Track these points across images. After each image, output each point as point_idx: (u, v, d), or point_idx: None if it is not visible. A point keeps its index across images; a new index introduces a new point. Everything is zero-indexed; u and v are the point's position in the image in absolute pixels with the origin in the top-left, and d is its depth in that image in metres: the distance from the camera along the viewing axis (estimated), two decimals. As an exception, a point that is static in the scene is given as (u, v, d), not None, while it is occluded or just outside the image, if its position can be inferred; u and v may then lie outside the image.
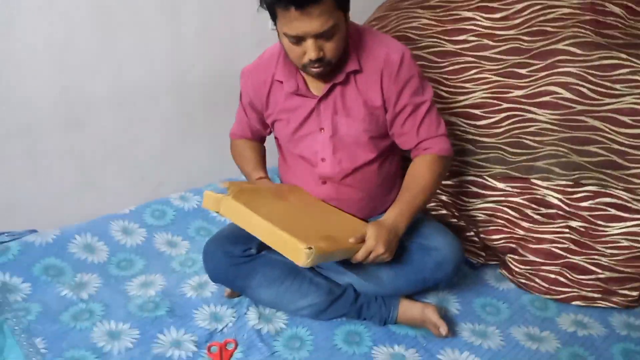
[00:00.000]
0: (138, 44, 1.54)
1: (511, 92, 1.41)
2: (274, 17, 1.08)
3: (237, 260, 1.24)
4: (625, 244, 1.30)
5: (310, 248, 0.99)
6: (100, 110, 1.55)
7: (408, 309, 1.24)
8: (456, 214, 1.51)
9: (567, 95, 1.33)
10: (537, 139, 1.37)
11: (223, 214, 1.14)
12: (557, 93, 1.34)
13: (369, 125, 1.22)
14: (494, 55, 1.45)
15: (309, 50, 1.07)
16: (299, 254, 1.00)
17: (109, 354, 1.15)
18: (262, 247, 1.24)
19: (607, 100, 1.31)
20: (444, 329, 1.19)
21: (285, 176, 1.39)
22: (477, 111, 1.44)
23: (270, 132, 1.40)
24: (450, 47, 1.50)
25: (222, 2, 1.66)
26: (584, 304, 1.34)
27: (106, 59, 1.51)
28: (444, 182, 1.48)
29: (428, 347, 1.20)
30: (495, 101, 1.43)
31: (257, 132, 1.40)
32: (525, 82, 1.39)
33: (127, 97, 1.58)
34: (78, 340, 1.18)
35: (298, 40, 1.06)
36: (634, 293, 1.32)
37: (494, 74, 1.44)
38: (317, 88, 1.21)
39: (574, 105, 1.32)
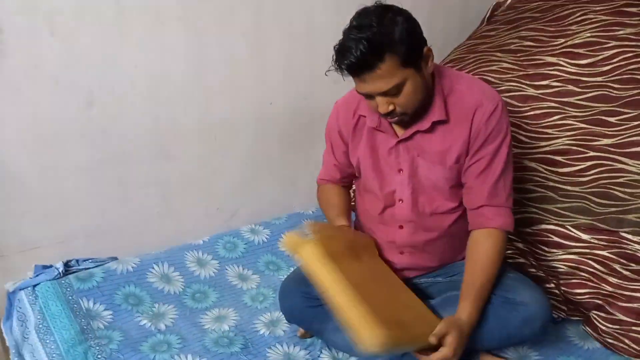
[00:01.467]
0: (225, 79, 1.61)
1: (599, 140, 1.36)
2: None
3: (315, 302, 1.23)
4: None
5: (383, 335, 0.91)
6: (187, 142, 1.62)
7: (489, 364, 1.19)
8: (534, 263, 1.46)
9: (662, 146, 1.27)
10: (628, 190, 1.30)
11: (301, 258, 1.09)
12: (651, 143, 1.28)
13: (450, 174, 1.19)
14: (579, 102, 1.41)
15: (379, 105, 1.08)
16: (369, 336, 0.91)
17: (186, 388, 1.17)
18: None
19: None
20: (527, 390, 1.14)
21: (361, 216, 1.39)
22: (560, 158, 1.40)
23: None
24: (532, 91, 1.47)
25: (305, 41, 1.71)
26: (680, 372, 1.25)
27: (196, 92, 1.57)
28: (522, 230, 1.44)
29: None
30: (580, 149, 1.38)
31: (345, 172, 1.36)
32: (614, 131, 1.34)
33: (212, 129, 1.64)
34: (158, 372, 1.21)
35: (367, 96, 1.09)
36: None
37: (580, 121, 1.39)
38: (400, 130, 1.20)
39: (669, 157, 1.26)
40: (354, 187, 1.45)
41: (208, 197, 1.73)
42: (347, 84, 1.11)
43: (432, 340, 1.03)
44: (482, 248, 1.16)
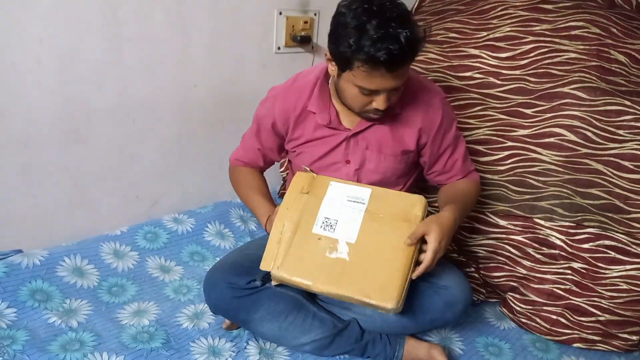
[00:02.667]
0: (145, 58, 1.50)
1: (516, 131, 1.42)
2: (345, 67, 1.04)
3: (241, 292, 1.20)
4: (625, 287, 1.32)
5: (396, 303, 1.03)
6: (102, 125, 1.49)
7: (414, 348, 1.22)
8: (456, 248, 1.51)
9: (572, 137, 1.35)
10: (541, 179, 1.38)
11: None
12: (562, 135, 1.36)
13: (399, 164, 1.25)
14: (499, 94, 1.47)
15: (379, 102, 1.07)
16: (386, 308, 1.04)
17: (101, 389, 1.09)
18: (267, 279, 1.21)
19: (611, 145, 1.34)
20: (451, 371, 1.18)
21: None
22: (481, 147, 1.45)
23: (281, 159, 1.38)
24: (456, 82, 1.51)
25: (232, 22, 1.63)
26: (584, 347, 1.35)
27: (112, 71, 1.45)
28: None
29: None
30: (499, 139, 1.44)
31: (269, 160, 1.37)
32: (530, 122, 1.41)
33: (129, 113, 1.53)
34: (68, 374, 1.12)
35: (371, 92, 1.07)
36: (634, 337, 1.33)
37: (499, 112, 1.45)
38: (350, 122, 1.21)
39: (578, 148, 1.35)
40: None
41: (126, 184, 1.61)
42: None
43: (407, 242, 1.07)
44: (459, 185, 1.27)
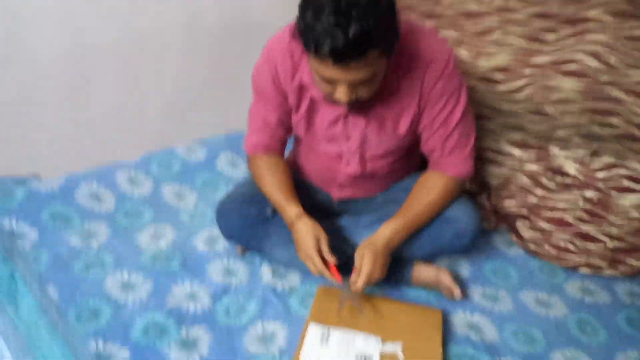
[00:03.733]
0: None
1: (536, 57, 1.38)
2: (304, 46, 0.93)
3: (253, 221, 1.21)
4: (636, 215, 1.32)
5: None
6: (107, 60, 1.47)
7: (422, 271, 1.25)
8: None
9: (594, 64, 1.30)
10: (559, 107, 1.35)
11: None
12: (584, 61, 1.31)
13: (402, 142, 1.19)
14: (520, 18, 1.40)
15: (340, 93, 0.96)
16: None
17: (123, 305, 1.15)
18: (276, 210, 1.22)
19: (632, 72, 1.29)
20: (457, 293, 1.21)
21: (305, 161, 1.33)
22: (500, 75, 1.41)
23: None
24: (474, 7, 1.45)
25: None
26: (591, 272, 1.37)
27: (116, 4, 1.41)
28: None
29: (440, 307, 1.22)
30: (518, 66, 1.39)
31: (285, 129, 1.22)
32: (551, 48, 1.36)
33: (135, 45, 1.50)
34: (92, 290, 1.17)
35: (330, 81, 0.97)
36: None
37: (520, 37, 1.40)
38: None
39: (599, 75, 1.30)
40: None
41: (137, 118, 1.61)
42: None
43: (356, 289, 1.10)
44: (431, 180, 1.18)
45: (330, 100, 1.03)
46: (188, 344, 1.08)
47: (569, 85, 1.33)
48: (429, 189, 1.17)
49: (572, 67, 1.32)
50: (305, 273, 1.28)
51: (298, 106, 1.15)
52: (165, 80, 1.62)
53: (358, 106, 1.07)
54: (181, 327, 1.11)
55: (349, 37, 0.84)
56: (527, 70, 1.38)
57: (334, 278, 1.11)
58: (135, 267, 1.25)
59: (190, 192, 1.56)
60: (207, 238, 1.38)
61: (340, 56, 0.87)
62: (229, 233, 1.28)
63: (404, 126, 1.14)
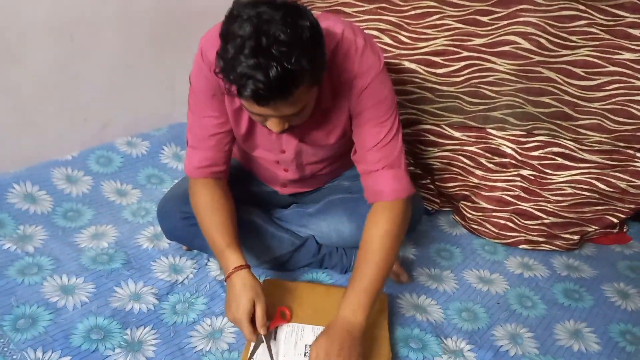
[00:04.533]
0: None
1: (472, 40, 1.40)
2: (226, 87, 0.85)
3: (195, 220, 1.14)
4: (570, 191, 1.38)
5: None
6: (36, 42, 1.38)
7: (369, 256, 1.26)
8: (412, 161, 1.53)
9: (526, 45, 1.34)
10: (494, 89, 1.38)
11: None
12: (517, 43, 1.34)
13: (336, 149, 1.14)
14: (456, 1, 1.42)
15: (271, 125, 0.91)
16: None
17: (63, 309, 1.11)
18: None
19: (563, 51, 1.34)
20: (404, 277, 1.24)
21: (246, 162, 1.28)
22: (437, 59, 1.43)
23: None
24: (412, -10, 1.46)
25: None
26: (529, 248, 1.43)
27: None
28: (402, 131, 1.48)
29: (387, 292, 1.24)
30: (455, 49, 1.42)
31: (227, 142, 1.09)
32: (486, 31, 1.39)
33: (66, 27, 1.41)
34: (28, 296, 1.12)
35: (259, 115, 0.90)
36: (575, 237, 1.43)
37: (456, 21, 1.42)
38: None
39: (531, 55, 1.34)
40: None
41: (72, 107, 1.54)
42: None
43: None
44: (372, 233, 1.02)
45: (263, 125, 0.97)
46: (134, 346, 1.05)
47: (503, 67, 1.36)
48: (373, 244, 1.01)
49: (505, 48, 1.36)
50: (254, 266, 1.27)
51: (236, 122, 1.08)
52: (99, 67, 1.54)
53: (291, 129, 1.00)
54: (126, 329, 1.08)
55: (271, 79, 0.77)
56: (464, 53, 1.40)
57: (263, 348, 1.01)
58: (75, 270, 1.21)
59: (132, 188, 1.51)
60: (152, 235, 1.35)
61: (264, 99, 0.81)
62: (171, 234, 1.25)
63: (334, 137, 1.09)
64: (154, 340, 1.07)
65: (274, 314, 1.07)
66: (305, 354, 1.02)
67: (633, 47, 1.26)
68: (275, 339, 1.05)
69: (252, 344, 1.02)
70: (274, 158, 1.15)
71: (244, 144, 1.15)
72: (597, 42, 1.30)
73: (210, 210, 1.08)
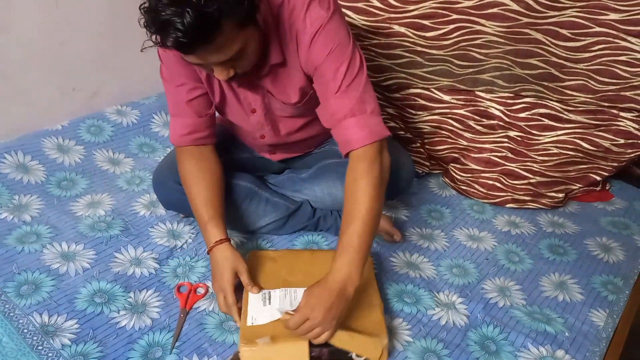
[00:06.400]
0: None
1: (460, 3, 1.41)
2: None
3: None
4: (555, 151, 1.43)
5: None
6: (20, 8, 1.35)
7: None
8: (402, 126, 1.56)
9: (515, 6, 1.35)
10: (483, 51, 1.40)
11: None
12: (505, 4, 1.36)
13: (303, 107, 1.12)
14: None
15: (217, 73, 0.91)
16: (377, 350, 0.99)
17: (65, 275, 1.12)
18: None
19: (551, 12, 1.35)
20: (397, 236, 1.28)
21: (233, 130, 1.29)
22: (427, 22, 1.44)
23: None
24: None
25: None
26: (516, 206, 1.48)
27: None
28: (392, 95, 1.51)
29: (381, 251, 1.29)
30: (444, 12, 1.42)
31: (208, 110, 1.11)
32: (475, -8, 1.39)
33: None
34: (29, 263, 1.14)
35: (199, 65, 0.90)
36: (560, 195, 1.48)
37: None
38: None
39: (520, 17, 1.35)
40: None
41: (60, 75, 1.51)
42: None
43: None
44: (354, 187, 0.99)
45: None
46: (138, 308, 1.08)
47: (491, 29, 1.38)
48: (357, 197, 0.97)
49: (494, 10, 1.37)
50: (250, 231, 1.30)
51: (212, 90, 1.10)
52: (86, 34, 1.51)
53: (246, 79, 1.01)
54: (129, 293, 1.11)
55: (187, 26, 0.77)
56: (454, 16, 1.41)
57: (240, 321, 1.02)
58: (74, 237, 1.22)
59: (125, 157, 1.51)
60: (148, 202, 1.37)
61: (187, 46, 0.80)
62: (167, 203, 1.27)
63: (295, 96, 1.08)
64: (158, 302, 1.10)
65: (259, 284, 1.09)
66: None
67: (618, 7, 1.28)
68: (270, 303, 1.05)
69: (250, 307, 1.04)
70: (249, 122, 1.16)
71: (221, 112, 1.16)
72: (584, 3, 1.32)
73: (195, 182, 1.10)
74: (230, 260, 1.05)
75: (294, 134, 1.22)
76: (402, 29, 1.44)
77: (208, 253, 1.08)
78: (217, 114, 1.19)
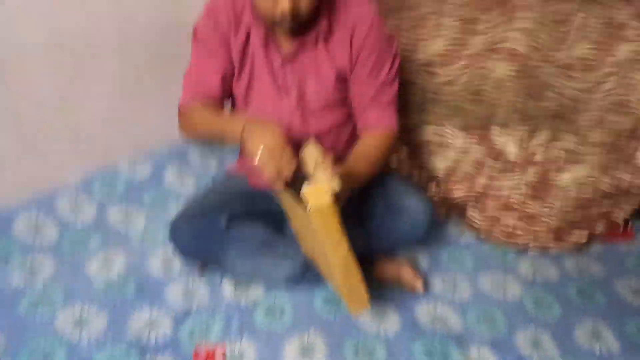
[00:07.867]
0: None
1: (471, 42, 1.40)
2: None
3: (208, 234, 1.17)
4: (574, 191, 1.39)
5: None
6: (35, 66, 1.37)
7: (384, 268, 1.26)
8: (416, 170, 1.54)
9: (525, 44, 1.34)
10: (495, 89, 1.39)
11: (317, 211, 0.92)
12: (515, 42, 1.35)
13: (339, 89, 1.16)
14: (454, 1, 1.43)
15: (283, 2, 0.97)
16: (358, 305, 1.02)
17: (78, 343, 1.09)
18: (231, 221, 1.20)
19: (560, 47, 1.34)
20: (419, 286, 1.23)
21: None
22: (437, 62, 1.43)
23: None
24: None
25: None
26: (539, 251, 1.44)
27: (42, 5, 1.31)
28: (405, 136, 1.49)
29: (405, 302, 1.24)
30: (455, 52, 1.42)
31: (225, 88, 1.15)
32: (484, 27, 1.38)
33: (62, 51, 1.40)
34: (42, 330, 1.10)
35: None
36: (582, 238, 1.44)
37: (454, 21, 1.42)
38: (286, 43, 1.11)
39: (530, 54, 1.35)
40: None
41: (73, 132, 1.51)
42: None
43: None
44: (366, 142, 1.14)
45: (273, 23, 1.02)
46: (154, 375, 1.04)
47: (502, 67, 1.37)
48: (366, 149, 1.14)
49: (505, 45, 1.36)
50: (267, 285, 1.26)
51: (240, 70, 1.13)
52: (99, 89, 1.52)
53: (292, 28, 1.04)
54: (144, 359, 1.07)
55: None
56: (464, 53, 1.40)
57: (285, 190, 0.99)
58: (87, 300, 1.19)
59: (138, 212, 1.49)
60: (162, 260, 1.34)
61: None
62: (184, 250, 1.24)
63: (332, 74, 1.13)
64: (175, 367, 1.06)
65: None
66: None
67: (630, 38, 1.27)
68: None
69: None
70: (279, 106, 1.15)
71: (244, 98, 1.16)
72: (593, 38, 1.31)
73: (202, 113, 1.12)
74: (273, 122, 1.01)
75: (321, 137, 1.19)
76: (413, 74, 1.44)
77: (240, 137, 1.00)
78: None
